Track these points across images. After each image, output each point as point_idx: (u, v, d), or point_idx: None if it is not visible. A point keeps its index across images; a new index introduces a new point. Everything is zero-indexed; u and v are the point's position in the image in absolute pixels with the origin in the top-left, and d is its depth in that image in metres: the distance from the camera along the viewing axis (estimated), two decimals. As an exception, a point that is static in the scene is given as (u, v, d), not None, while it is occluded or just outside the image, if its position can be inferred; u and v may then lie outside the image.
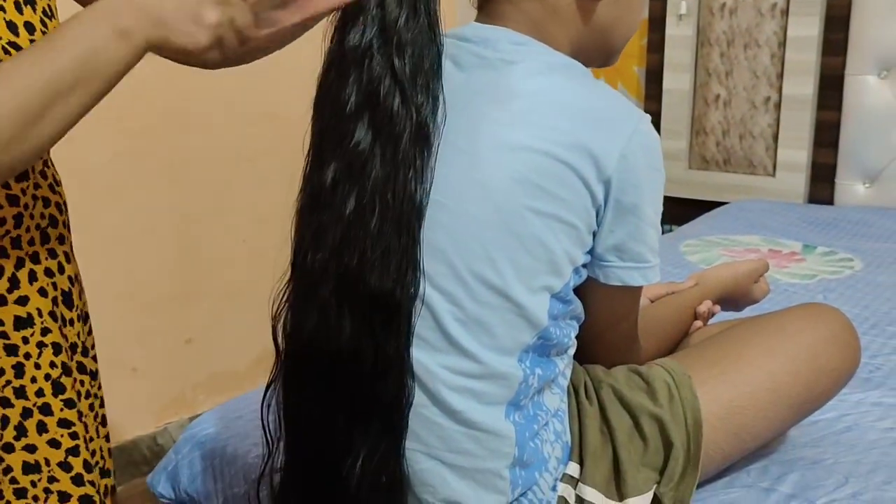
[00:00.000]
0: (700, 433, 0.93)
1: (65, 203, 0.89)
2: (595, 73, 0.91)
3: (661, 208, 0.89)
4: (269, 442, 0.88)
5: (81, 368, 0.90)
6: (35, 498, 0.84)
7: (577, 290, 0.90)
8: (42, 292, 0.83)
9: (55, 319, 0.84)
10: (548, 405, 0.89)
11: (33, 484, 0.84)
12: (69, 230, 0.90)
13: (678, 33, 2.68)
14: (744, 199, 2.63)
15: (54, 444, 0.84)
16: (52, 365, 0.84)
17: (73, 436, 0.85)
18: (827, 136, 2.54)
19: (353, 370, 0.79)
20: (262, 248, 2.26)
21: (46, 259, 0.84)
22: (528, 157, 0.82)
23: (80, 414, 0.86)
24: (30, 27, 0.80)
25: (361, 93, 0.78)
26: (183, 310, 2.21)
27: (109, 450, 0.96)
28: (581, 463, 0.91)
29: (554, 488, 0.90)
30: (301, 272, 0.81)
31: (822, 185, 2.59)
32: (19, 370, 0.82)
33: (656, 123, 0.79)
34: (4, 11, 0.78)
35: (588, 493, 0.89)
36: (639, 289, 0.93)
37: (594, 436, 0.92)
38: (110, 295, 2.01)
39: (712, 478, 1.01)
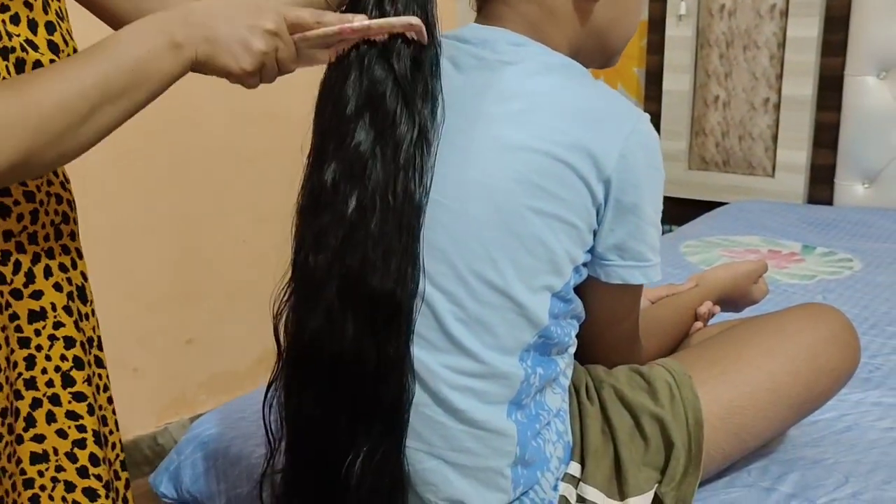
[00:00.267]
0: (701, 433, 0.93)
1: (74, 201, 0.90)
2: (594, 74, 0.92)
3: (661, 207, 0.89)
4: (271, 442, 0.88)
5: (99, 362, 0.91)
6: (42, 487, 0.86)
7: (578, 290, 0.90)
8: (57, 287, 0.85)
9: (69, 314, 0.86)
10: (549, 405, 0.89)
11: (41, 473, 0.85)
12: (78, 227, 0.91)
13: (678, 34, 2.68)
14: (743, 200, 2.63)
15: (62, 434, 0.86)
16: (63, 358, 0.85)
17: (81, 428, 0.87)
18: (826, 136, 2.54)
19: (356, 370, 0.79)
20: (263, 249, 2.26)
21: (60, 255, 0.86)
22: (528, 157, 0.82)
23: (91, 408, 0.87)
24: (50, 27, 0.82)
25: (362, 94, 0.79)
26: (183, 310, 2.21)
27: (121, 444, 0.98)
28: (582, 462, 0.91)
29: (555, 487, 0.90)
30: (303, 273, 0.81)
31: (821, 185, 2.59)
32: (31, 362, 0.83)
33: (656, 124, 0.79)
34: (31, 9, 0.79)
35: (589, 492, 0.90)
36: (640, 288, 0.93)
37: (595, 435, 0.92)
38: (111, 295, 2.01)
39: (713, 477, 1.01)
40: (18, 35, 0.77)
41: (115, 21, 0.89)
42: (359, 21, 0.78)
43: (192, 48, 0.74)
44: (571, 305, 0.89)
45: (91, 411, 0.87)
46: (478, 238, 0.82)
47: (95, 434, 0.88)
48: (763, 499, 0.99)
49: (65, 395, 0.85)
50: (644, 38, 2.80)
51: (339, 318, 0.79)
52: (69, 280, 0.87)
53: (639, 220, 0.87)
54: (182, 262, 2.20)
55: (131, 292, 2.09)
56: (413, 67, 0.79)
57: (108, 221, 2.00)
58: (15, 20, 0.77)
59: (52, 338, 0.84)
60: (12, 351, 0.82)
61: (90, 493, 0.88)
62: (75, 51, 0.83)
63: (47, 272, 0.84)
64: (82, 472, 0.87)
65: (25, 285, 0.82)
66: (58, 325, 0.85)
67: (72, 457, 0.86)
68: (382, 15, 0.79)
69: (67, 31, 0.83)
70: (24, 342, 0.83)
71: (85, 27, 0.95)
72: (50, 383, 0.84)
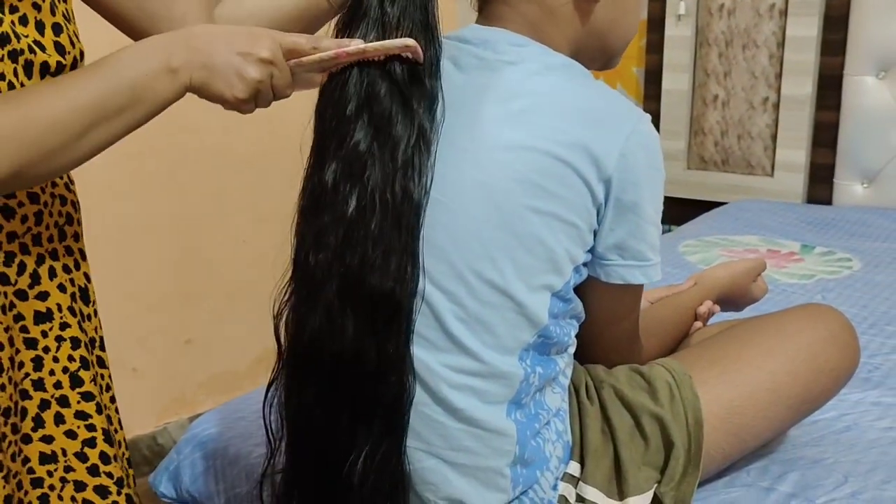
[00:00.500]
0: (701, 433, 0.93)
1: (78, 202, 0.91)
2: (594, 74, 0.92)
3: (661, 206, 0.90)
4: (272, 441, 0.88)
5: (101, 363, 0.92)
6: (51, 487, 0.86)
7: (578, 290, 0.90)
8: (61, 288, 0.85)
9: (74, 314, 0.86)
10: (549, 404, 0.90)
11: (49, 473, 0.86)
12: (82, 228, 0.92)
13: (677, 34, 2.68)
14: (742, 200, 2.63)
15: (71, 435, 0.86)
16: (71, 359, 0.86)
17: (90, 427, 0.87)
18: (825, 136, 2.54)
19: (356, 370, 0.80)
20: (263, 249, 2.26)
21: (64, 256, 0.86)
22: (528, 156, 0.82)
23: (98, 407, 0.88)
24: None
25: (361, 94, 0.79)
26: (183, 310, 2.22)
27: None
28: (582, 462, 0.91)
29: (555, 487, 0.90)
30: (303, 273, 0.82)
31: (820, 185, 2.59)
32: (38, 363, 0.84)
33: (655, 124, 0.79)
34: (40, 10, 0.80)
35: (589, 492, 0.90)
36: (640, 287, 0.93)
37: (595, 435, 0.92)
38: (111, 295, 2.01)
39: (713, 477, 1.01)
40: (27, 36, 0.77)
41: (120, 21, 0.90)
42: (355, 45, 0.78)
43: (188, 74, 0.75)
44: (571, 305, 0.89)
45: (99, 410, 0.88)
46: (478, 237, 0.83)
47: (105, 433, 0.88)
48: (763, 498, 0.99)
49: (73, 396, 0.86)
50: (643, 37, 2.80)
51: (339, 318, 0.79)
52: (72, 281, 0.87)
53: (639, 219, 0.87)
54: (182, 262, 2.20)
55: (131, 292, 2.09)
56: (411, 68, 0.80)
57: (109, 222, 2.00)
58: (23, 21, 0.77)
59: (59, 339, 0.85)
60: (17, 351, 0.83)
61: (101, 491, 0.88)
62: (81, 52, 0.84)
63: (52, 273, 0.84)
64: (93, 471, 0.88)
65: (31, 286, 0.83)
66: (64, 325, 0.85)
67: (81, 456, 0.87)
68: (384, 14, 0.79)
69: (74, 32, 0.83)
70: (30, 343, 0.83)
71: (92, 30, 0.96)
72: (58, 385, 0.85)
